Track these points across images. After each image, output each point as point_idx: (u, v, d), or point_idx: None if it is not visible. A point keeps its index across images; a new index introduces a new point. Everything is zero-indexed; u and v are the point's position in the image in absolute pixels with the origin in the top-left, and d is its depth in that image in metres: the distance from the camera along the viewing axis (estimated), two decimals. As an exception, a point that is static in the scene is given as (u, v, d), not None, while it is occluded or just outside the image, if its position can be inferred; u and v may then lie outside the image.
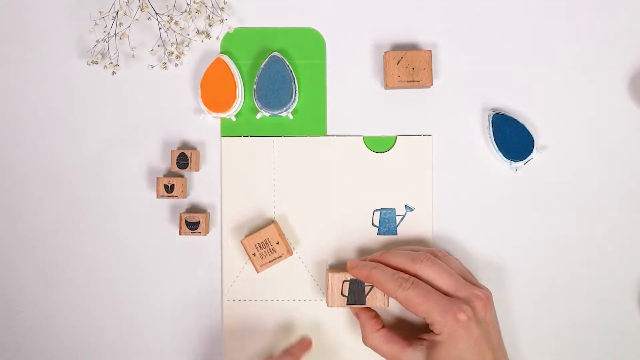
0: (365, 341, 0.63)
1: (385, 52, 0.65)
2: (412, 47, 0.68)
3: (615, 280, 0.67)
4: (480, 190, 0.67)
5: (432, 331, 0.59)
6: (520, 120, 0.66)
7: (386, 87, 0.66)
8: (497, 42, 0.68)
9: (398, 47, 0.68)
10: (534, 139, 0.66)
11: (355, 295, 0.63)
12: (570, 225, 0.67)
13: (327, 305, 0.63)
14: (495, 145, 0.66)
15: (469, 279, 0.63)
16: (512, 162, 0.66)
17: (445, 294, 0.60)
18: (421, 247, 0.66)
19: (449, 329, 0.58)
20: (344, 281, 0.63)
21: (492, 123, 0.66)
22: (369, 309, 0.64)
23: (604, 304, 0.67)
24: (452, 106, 0.68)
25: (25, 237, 0.68)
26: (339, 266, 0.67)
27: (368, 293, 0.62)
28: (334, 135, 0.68)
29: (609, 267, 0.67)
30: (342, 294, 0.63)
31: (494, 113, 0.66)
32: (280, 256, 0.65)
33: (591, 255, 0.67)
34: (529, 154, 0.66)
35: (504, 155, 0.66)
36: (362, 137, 0.68)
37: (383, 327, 0.63)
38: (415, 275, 0.61)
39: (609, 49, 0.68)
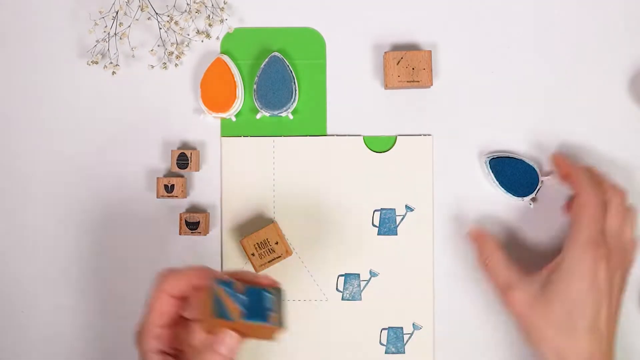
0: (482, 261, 0.63)
1: (385, 52, 0.65)
2: (412, 47, 0.68)
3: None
4: (481, 189, 0.67)
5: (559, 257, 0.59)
6: (518, 157, 0.66)
7: (386, 87, 0.66)
8: (496, 41, 0.68)
9: (398, 47, 0.68)
10: (536, 169, 0.66)
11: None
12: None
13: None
14: (502, 188, 0.66)
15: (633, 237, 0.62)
16: (524, 197, 0.66)
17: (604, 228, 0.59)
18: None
19: (578, 256, 0.58)
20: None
21: (490, 170, 0.66)
22: (486, 232, 0.64)
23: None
24: (452, 106, 0.68)
25: (25, 237, 0.68)
26: None
27: None
28: (334, 135, 0.68)
29: (609, 267, 0.67)
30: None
31: (489, 159, 0.66)
32: (280, 256, 0.65)
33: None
34: (537, 185, 0.66)
35: (514, 194, 0.66)
36: (362, 137, 0.68)
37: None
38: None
39: (609, 49, 0.68)
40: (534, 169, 0.66)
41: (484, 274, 0.63)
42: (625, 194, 0.62)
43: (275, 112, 0.66)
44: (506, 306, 0.61)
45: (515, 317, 0.61)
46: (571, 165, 0.63)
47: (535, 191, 0.66)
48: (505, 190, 0.66)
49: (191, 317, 0.54)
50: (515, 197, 0.66)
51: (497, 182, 0.66)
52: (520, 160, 0.66)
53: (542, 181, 0.66)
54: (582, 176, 0.61)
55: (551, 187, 0.67)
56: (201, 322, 0.51)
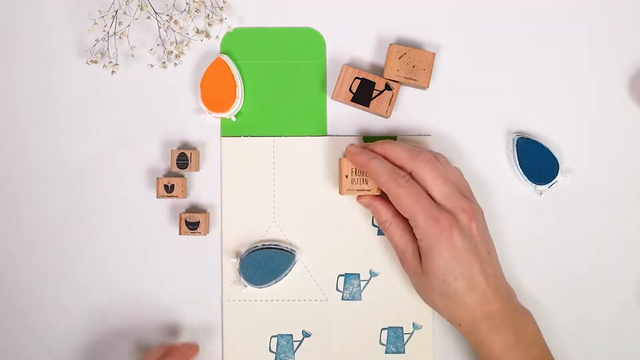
0: (382, 225, 0.63)
1: (391, 44, 0.65)
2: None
3: (615, 280, 0.67)
4: (480, 189, 0.67)
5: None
6: (543, 142, 0.66)
7: (383, 76, 0.66)
8: (496, 42, 0.68)
9: (398, 47, 0.68)
10: (559, 163, 0.66)
11: (362, 95, 0.63)
12: (570, 225, 0.67)
13: (332, 97, 0.66)
14: (520, 170, 0.66)
15: (463, 192, 0.61)
16: (537, 185, 0.66)
17: (434, 200, 0.59)
18: (424, 147, 0.65)
19: (430, 236, 0.58)
20: (356, 78, 0.63)
21: (516, 147, 0.66)
22: (381, 197, 0.63)
23: (604, 303, 0.67)
24: (452, 106, 0.68)
25: (26, 237, 0.68)
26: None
27: (374, 97, 0.62)
28: (334, 135, 0.68)
29: (609, 267, 0.67)
30: (350, 90, 0.64)
31: (518, 137, 0.66)
32: (369, 190, 0.63)
33: (591, 255, 0.67)
34: (554, 178, 0.66)
35: (528, 179, 0.66)
36: (362, 137, 0.68)
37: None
38: (410, 173, 0.60)
39: (609, 49, 0.68)
40: (556, 161, 0.66)
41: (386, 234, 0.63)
42: (427, 153, 0.61)
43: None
44: (402, 267, 0.63)
45: (410, 279, 0.63)
46: (361, 155, 0.62)
47: (551, 184, 0.66)
48: (521, 173, 0.66)
49: None
50: (529, 183, 0.66)
51: (517, 162, 0.66)
52: (547, 148, 0.66)
53: (561, 176, 0.66)
54: (373, 165, 0.61)
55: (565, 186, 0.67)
56: None
